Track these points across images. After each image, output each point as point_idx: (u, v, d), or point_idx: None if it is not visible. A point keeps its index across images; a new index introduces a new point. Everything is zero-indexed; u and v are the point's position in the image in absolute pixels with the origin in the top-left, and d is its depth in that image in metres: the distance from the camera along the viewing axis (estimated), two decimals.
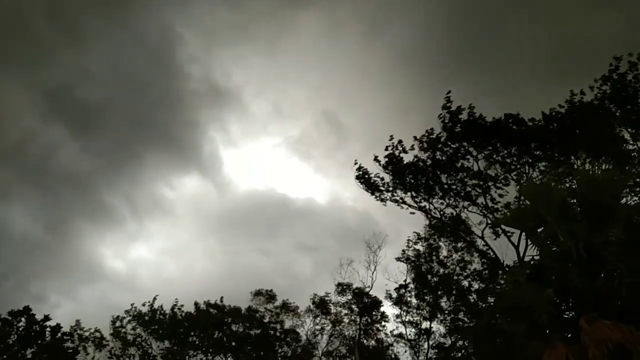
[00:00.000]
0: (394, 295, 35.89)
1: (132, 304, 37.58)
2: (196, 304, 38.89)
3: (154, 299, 37.65)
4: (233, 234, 65.64)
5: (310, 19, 71.43)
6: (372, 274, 36.85)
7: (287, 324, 39.23)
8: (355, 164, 28.51)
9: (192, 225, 68.50)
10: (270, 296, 39.64)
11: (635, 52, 22.58)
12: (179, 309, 38.11)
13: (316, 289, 39.72)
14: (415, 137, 27.16)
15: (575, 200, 10.94)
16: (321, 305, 38.60)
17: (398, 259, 35.44)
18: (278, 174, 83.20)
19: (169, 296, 39.66)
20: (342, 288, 37.66)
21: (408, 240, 35.34)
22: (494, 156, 26.31)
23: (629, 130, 23.34)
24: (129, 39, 73.90)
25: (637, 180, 19.04)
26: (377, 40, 67.87)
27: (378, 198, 28.69)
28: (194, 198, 71.56)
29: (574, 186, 10.93)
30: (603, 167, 10.97)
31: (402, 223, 40.54)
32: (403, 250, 35.40)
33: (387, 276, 36.13)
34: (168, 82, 74.35)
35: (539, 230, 10.96)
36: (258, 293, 39.60)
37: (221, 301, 39.16)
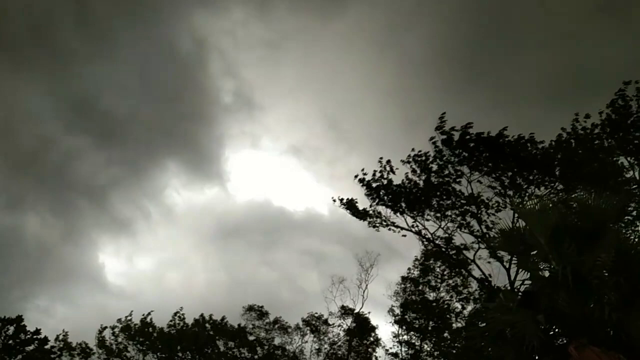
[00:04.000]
0: (397, 311, 35.86)
1: (126, 316, 37.34)
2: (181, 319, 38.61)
3: (149, 314, 37.46)
4: (237, 245, 65.55)
5: (323, 29, 71.95)
6: (364, 292, 36.84)
7: (277, 340, 39.04)
8: (335, 200, 28.89)
9: (197, 236, 68.47)
10: (261, 313, 39.36)
11: None
12: (179, 318, 37.80)
13: (319, 303, 39.54)
14: (403, 161, 27.09)
15: (566, 225, 10.90)
16: (313, 324, 38.38)
17: (405, 278, 35.55)
18: (284, 184, 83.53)
19: (172, 307, 39.50)
20: (344, 311, 37.57)
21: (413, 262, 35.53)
22: (492, 175, 26.10)
23: (628, 159, 23.39)
24: (158, 50, 74.46)
25: (630, 207, 19.09)
26: (386, 52, 68.36)
27: (370, 225, 28.68)
28: (201, 209, 71.69)
29: (566, 210, 10.85)
30: (597, 194, 10.85)
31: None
32: (408, 270, 35.62)
33: (388, 292, 36.37)
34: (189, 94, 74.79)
35: (530, 253, 10.91)
36: (250, 309, 39.37)
37: (210, 318, 38.85)
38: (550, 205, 10.96)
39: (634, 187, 22.69)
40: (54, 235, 64.43)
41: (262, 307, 39.53)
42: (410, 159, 26.76)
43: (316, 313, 38.94)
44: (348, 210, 28.79)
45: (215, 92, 77.56)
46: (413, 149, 26.77)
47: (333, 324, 37.97)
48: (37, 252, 60.17)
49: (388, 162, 27.43)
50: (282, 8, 71.24)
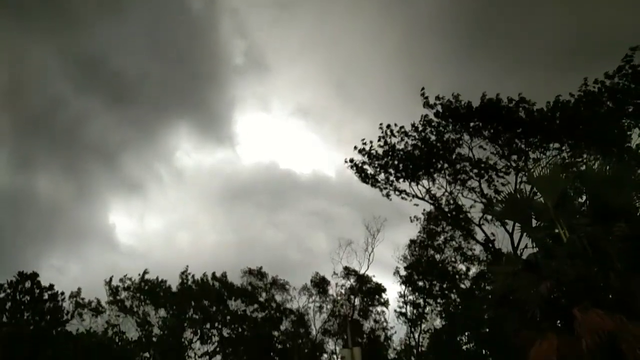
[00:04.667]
0: (403, 273, 36.45)
1: (140, 274, 37.91)
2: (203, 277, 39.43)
3: (144, 272, 38.10)
4: (244, 206, 66.03)
5: None
6: (370, 255, 37.33)
7: (278, 298, 40.01)
8: (346, 162, 28.89)
9: (206, 197, 68.98)
10: (260, 274, 40.06)
11: None
12: (185, 277, 38.53)
13: (326, 264, 40.03)
14: (400, 131, 27.35)
15: (575, 192, 10.90)
16: (320, 285, 39.14)
17: (412, 242, 36.21)
18: (292, 147, 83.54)
19: (181, 266, 40.07)
20: (348, 272, 38.21)
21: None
22: (493, 141, 26.16)
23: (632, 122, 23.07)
24: (168, 9, 72.92)
25: None
26: (394, 14, 66.86)
27: (382, 193, 28.73)
28: (210, 171, 71.94)
29: (578, 179, 10.77)
30: (610, 163, 10.76)
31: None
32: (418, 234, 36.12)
33: (396, 255, 37.00)
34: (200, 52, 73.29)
35: (534, 220, 10.93)
36: (249, 272, 40.03)
37: (223, 276, 39.54)
38: (560, 172, 10.84)
39: None
40: (66, 196, 65.18)
41: (261, 268, 40.24)
42: (407, 132, 27.18)
43: (321, 275, 39.56)
44: (357, 174, 28.75)
45: (225, 52, 76.68)
46: (413, 124, 27.23)
47: (336, 283, 38.57)
48: (49, 212, 61.02)
49: (388, 126, 27.57)
50: None
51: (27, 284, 30.77)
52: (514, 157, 26.31)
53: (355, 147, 28.03)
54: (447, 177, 27.95)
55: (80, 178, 67.56)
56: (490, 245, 28.22)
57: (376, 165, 28.15)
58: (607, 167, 10.38)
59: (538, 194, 10.65)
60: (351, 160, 28.68)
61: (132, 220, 70.93)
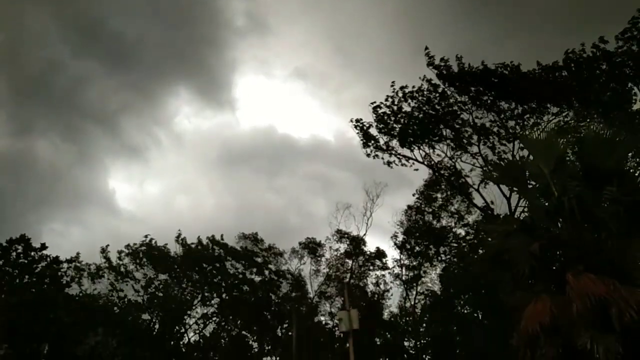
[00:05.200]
0: (400, 238, 36.72)
1: (142, 240, 38.07)
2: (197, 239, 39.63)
3: (146, 237, 38.24)
4: (243, 171, 65.94)
5: None
6: (368, 220, 37.50)
7: (272, 267, 40.29)
8: (352, 120, 28.59)
9: (205, 162, 68.76)
10: (255, 239, 40.24)
11: None
12: (181, 241, 38.76)
13: (326, 228, 39.86)
14: (406, 92, 26.96)
15: (573, 157, 10.77)
16: (311, 247, 39.35)
17: (410, 207, 36.18)
18: (293, 110, 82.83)
19: (182, 230, 40.03)
20: (341, 235, 38.35)
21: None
22: (491, 108, 25.99)
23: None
24: None
25: None
26: None
27: (383, 160, 28.52)
28: (209, 135, 71.33)
29: (574, 142, 10.60)
30: (609, 128, 10.58)
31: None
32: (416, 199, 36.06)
33: (394, 219, 37.08)
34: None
35: (529, 183, 10.85)
36: (244, 237, 40.17)
37: (222, 239, 39.69)
38: (557, 137, 10.65)
39: None
40: (66, 160, 65.07)
41: (256, 233, 40.40)
42: (410, 94, 26.74)
43: (314, 238, 39.74)
44: (361, 136, 28.41)
45: (225, 14, 75.07)
46: (414, 86, 26.80)
47: (331, 247, 38.74)
48: (49, 177, 61.03)
49: (402, 88, 27.12)
50: None
51: (20, 249, 30.41)
52: (511, 123, 26.14)
53: (373, 104, 27.53)
54: (449, 142, 27.74)
55: (80, 142, 67.36)
56: (489, 212, 28.28)
57: (381, 127, 27.80)
58: (600, 130, 10.20)
59: (535, 158, 10.50)
60: (357, 120, 28.37)
61: (131, 185, 71.19)
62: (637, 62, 21.97)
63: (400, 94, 27.08)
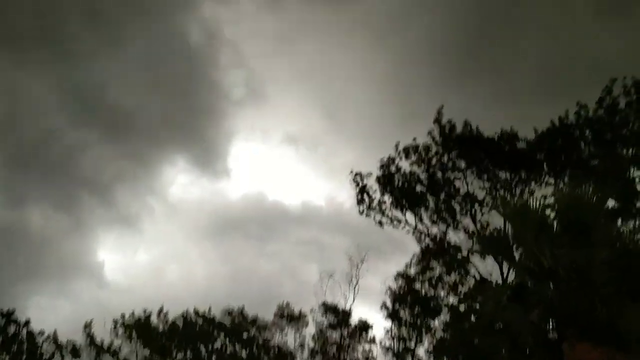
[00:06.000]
0: (390, 306, 35.41)
1: (127, 315, 36.95)
2: (183, 315, 38.52)
3: (132, 313, 37.19)
4: (235, 238, 65.36)
5: (321, 20, 71.68)
6: (355, 287, 36.33)
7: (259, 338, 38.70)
8: (352, 172, 28.41)
9: (197, 230, 68.23)
10: (242, 315, 39.07)
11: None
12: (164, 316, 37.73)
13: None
14: (406, 151, 27.09)
15: (554, 219, 10.83)
16: (293, 318, 38.06)
17: (400, 275, 35.03)
18: (282, 177, 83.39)
19: (173, 301, 38.98)
20: (326, 308, 36.96)
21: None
22: (486, 176, 26.24)
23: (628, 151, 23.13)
24: (167, 40, 73.39)
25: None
26: (384, 43, 68.05)
27: (376, 221, 28.29)
28: (202, 202, 71.29)
29: (551, 204, 10.70)
30: (586, 188, 10.74)
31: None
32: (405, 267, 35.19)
33: (383, 286, 35.89)
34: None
35: (516, 251, 10.84)
36: (228, 313, 39.00)
37: (209, 311, 38.61)
38: (533, 202, 10.74)
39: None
40: (57, 231, 64.29)
41: (243, 307, 39.14)
42: (412, 150, 26.89)
43: (296, 311, 38.38)
44: (357, 192, 28.23)
45: (221, 85, 77.56)
46: (415, 139, 26.91)
47: (315, 319, 37.27)
48: (39, 248, 60.11)
49: (404, 149, 27.17)
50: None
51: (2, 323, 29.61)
52: (501, 191, 26.33)
53: (382, 161, 27.35)
54: (440, 211, 27.66)
55: (73, 212, 66.74)
56: (484, 280, 27.85)
57: (383, 182, 27.66)
58: (582, 193, 10.34)
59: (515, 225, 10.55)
60: (357, 175, 28.17)
61: (121, 255, 70.27)
62: (615, 129, 22.70)
63: (402, 154, 27.21)
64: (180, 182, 77.75)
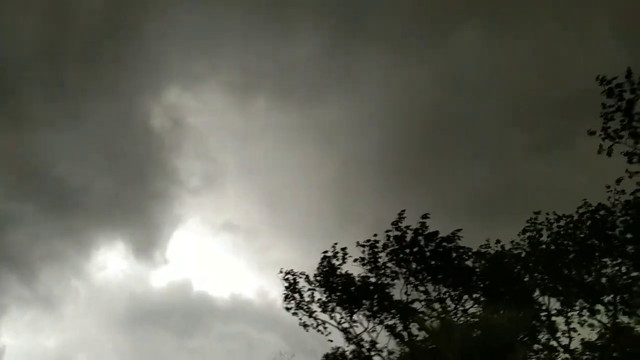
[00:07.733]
0: None
1: None
2: None
3: None
4: (155, 329, 61.72)
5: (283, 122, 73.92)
6: None
7: None
8: (282, 271, 28.10)
9: (116, 316, 64.14)
10: None
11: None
12: None
13: None
14: (358, 243, 26.72)
15: (476, 341, 11.27)
16: None
17: None
18: (208, 267, 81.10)
19: None
20: None
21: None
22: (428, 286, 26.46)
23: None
24: (128, 119, 72.61)
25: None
26: (337, 148, 70.42)
27: (301, 322, 27.85)
28: (125, 286, 67.64)
29: (472, 327, 11.24)
30: (504, 312, 11.37)
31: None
32: None
33: None
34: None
35: None
36: None
37: None
38: (455, 322, 11.27)
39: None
40: None
41: None
42: (366, 245, 26.48)
43: None
44: (288, 289, 27.84)
45: (177, 171, 76.70)
46: (375, 234, 26.48)
47: None
48: None
49: (343, 249, 27.04)
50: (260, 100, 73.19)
51: None
52: (436, 304, 26.47)
53: (325, 252, 27.02)
54: (374, 314, 27.41)
55: None
56: None
57: (321, 280, 27.29)
58: (498, 315, 10.91)
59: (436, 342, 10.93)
60: (288, 272, 27.77)
61: (27, 340, 64.65)
62: (537, 260, 24.02)
63: (340, 255, 26.99)
64: (112, 266, 73.85)
